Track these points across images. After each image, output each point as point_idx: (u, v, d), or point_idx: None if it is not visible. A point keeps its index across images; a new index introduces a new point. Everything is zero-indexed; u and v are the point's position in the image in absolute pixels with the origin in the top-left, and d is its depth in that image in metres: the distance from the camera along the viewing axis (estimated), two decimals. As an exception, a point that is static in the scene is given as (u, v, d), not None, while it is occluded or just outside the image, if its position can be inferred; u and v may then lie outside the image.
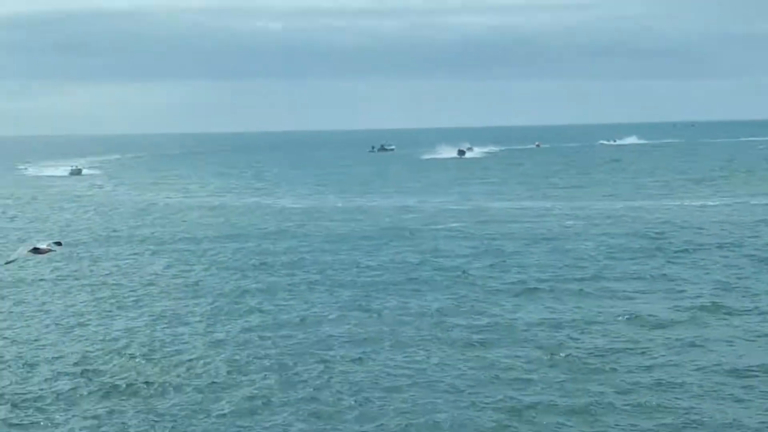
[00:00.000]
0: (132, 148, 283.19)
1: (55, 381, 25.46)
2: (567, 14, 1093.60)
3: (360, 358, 26.87)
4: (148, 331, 30.97)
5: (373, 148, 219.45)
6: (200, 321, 32.23)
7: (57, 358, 27.69)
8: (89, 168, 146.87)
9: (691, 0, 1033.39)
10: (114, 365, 26.84)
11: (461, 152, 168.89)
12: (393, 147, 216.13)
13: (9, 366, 27.18)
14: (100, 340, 29.76)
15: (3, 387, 25.12)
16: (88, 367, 26.60)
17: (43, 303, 36.42)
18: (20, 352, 28.54)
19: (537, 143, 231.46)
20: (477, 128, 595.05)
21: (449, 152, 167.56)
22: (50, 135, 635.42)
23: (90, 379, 25.47)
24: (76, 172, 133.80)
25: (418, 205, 71.57)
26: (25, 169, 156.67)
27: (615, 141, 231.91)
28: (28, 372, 26.54)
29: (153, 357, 27.69)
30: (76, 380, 25.42)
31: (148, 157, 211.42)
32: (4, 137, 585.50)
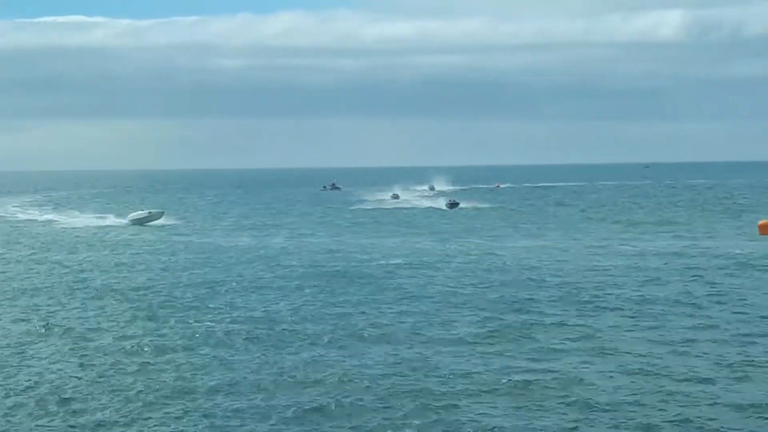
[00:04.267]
0: (86, 185, 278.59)
1: None
2: (530, 55, 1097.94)
3: None
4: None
5: (324, 187, 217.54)
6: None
7: None
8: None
9: (654, 44, 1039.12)
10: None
11: (394, 196, 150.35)
12: (340, 186, 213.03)
13: None
14: None
15: None
16: None
17: None
18: None
19: (497, 184, 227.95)
20: (441, 167, 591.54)
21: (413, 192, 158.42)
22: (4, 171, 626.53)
23: None
24: None
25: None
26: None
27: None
28: None
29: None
30: None
31: (92, 193, 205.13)
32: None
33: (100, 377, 28.93)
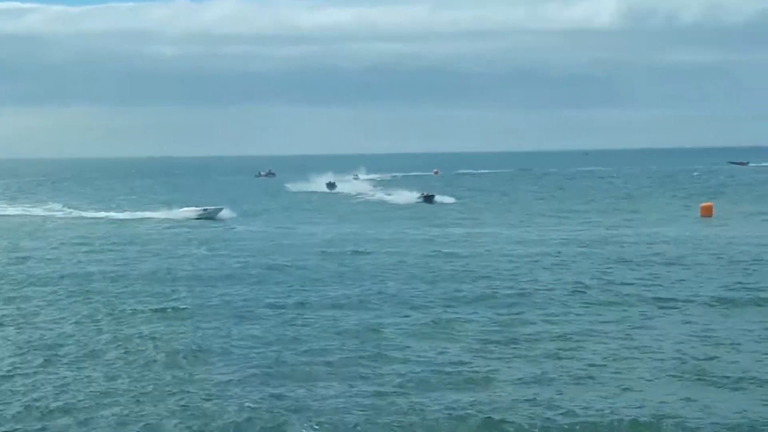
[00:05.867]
0: (21, 173, 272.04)
1: None
2: (470, 43, 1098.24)
3: None
4: None
5: (259, 173, 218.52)
6: None
7: None
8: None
9: (591, 32, 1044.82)
10: None
11: (331, 185, 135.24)
12: (275, 173, 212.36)
13: None
14: None
15: None
16: None
17: None
18: None
19: (435, 170, 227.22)
20: (382, 155, 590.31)
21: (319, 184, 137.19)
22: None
23: None
24: None
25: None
26: None
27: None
28: None
29: None
30: None
31: (23, 182, 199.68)
32: None
33: None
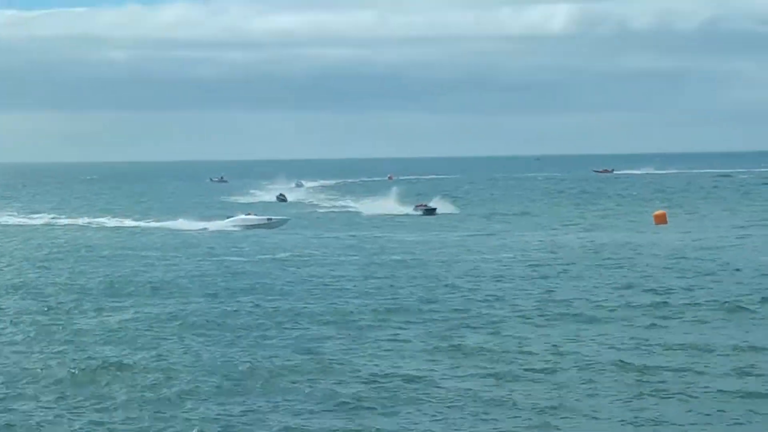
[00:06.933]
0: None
1: None
2: (421, 48, 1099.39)
3: None
4: None
5: (211, 179, 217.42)
6: None
7: None
8: None
9: (544, 38, 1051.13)
10: None
11: (281, 198, 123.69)
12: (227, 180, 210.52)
13: None
14: None
15: None
16: None
17: None
18: None
19: (389, 175, 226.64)
20: (332, 160, 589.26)
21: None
22: None
23: None
24: None
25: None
26: None
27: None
28: None
29: None
30: None
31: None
32: None
33: None
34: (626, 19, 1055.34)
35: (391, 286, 42.85)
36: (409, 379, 26.21)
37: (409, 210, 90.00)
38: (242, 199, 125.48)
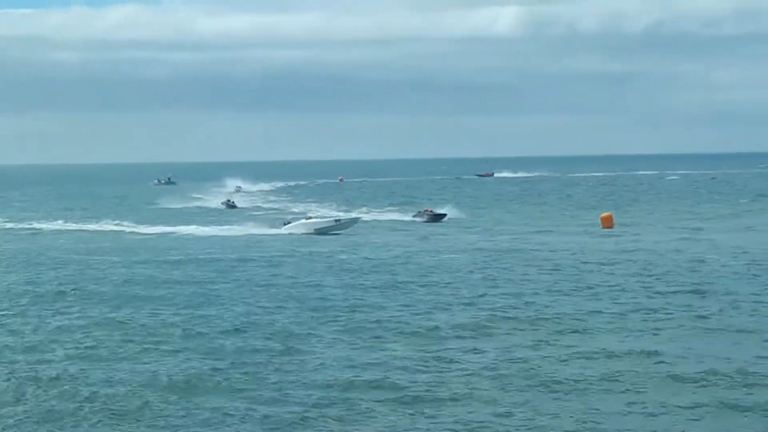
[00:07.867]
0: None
1: None
2: (369, 50, 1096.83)
3: None
4: None
5: (158, 181, 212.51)
6: None
7: None
8: None
9: (493, 39, 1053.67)
10: None
11: (230, 204, 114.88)
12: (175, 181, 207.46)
13: None
14: None
15: None
16: None
17: None
18: None
19: (340, 178, 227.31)
20: (280, 162, 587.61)
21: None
22: None
23: None
24: None
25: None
26: None
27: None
28: None
29: None
30: None
31: None
32: None
33: None
34: (575, 22, 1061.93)
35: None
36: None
37: (406, 217, 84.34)
38: (180, 205, 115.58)
